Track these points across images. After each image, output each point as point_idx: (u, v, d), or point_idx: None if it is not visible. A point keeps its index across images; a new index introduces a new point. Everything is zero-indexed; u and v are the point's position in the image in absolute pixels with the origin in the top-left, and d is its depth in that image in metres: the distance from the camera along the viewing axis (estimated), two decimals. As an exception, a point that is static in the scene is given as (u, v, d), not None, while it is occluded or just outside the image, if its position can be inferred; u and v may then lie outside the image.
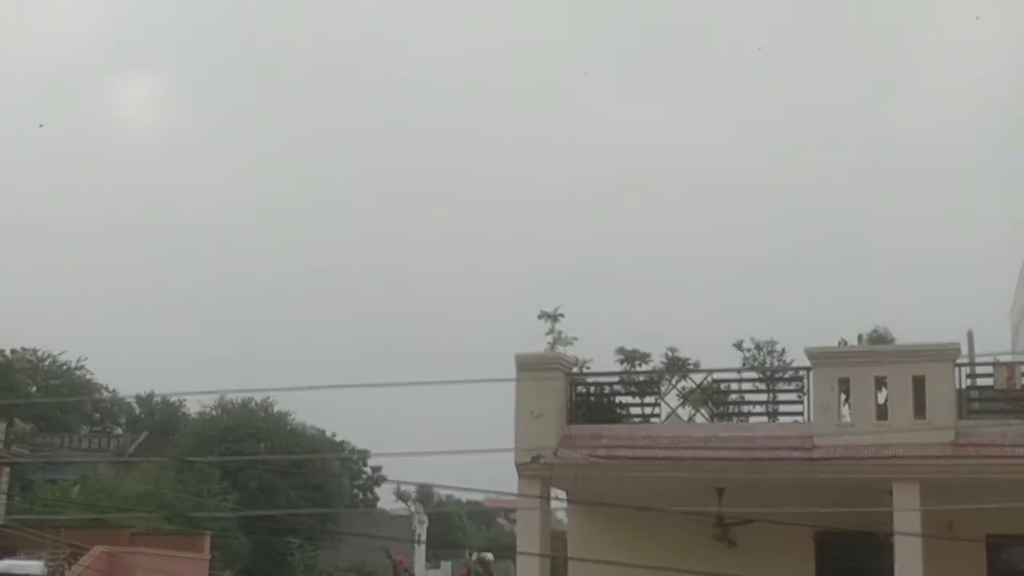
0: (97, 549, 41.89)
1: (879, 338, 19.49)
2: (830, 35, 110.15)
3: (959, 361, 18.27)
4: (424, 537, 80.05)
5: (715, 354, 20.11)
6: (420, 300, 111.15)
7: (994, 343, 19.28)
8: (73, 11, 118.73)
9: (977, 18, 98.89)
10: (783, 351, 20.01)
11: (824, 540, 20.11)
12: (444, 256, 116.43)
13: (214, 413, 71.92)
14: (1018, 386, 18.14)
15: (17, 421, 59.40)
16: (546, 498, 19.26)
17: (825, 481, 18.00)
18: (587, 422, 19.37)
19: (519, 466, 18.86)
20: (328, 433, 77.48)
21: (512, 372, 19.13)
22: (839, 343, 19.52)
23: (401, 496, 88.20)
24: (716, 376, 19.55)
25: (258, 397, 71.60)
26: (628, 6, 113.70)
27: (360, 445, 77.39)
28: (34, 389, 72.50)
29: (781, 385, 19.37)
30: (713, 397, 19.46)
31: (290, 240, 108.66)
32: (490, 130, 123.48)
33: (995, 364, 18.69)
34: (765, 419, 19.28)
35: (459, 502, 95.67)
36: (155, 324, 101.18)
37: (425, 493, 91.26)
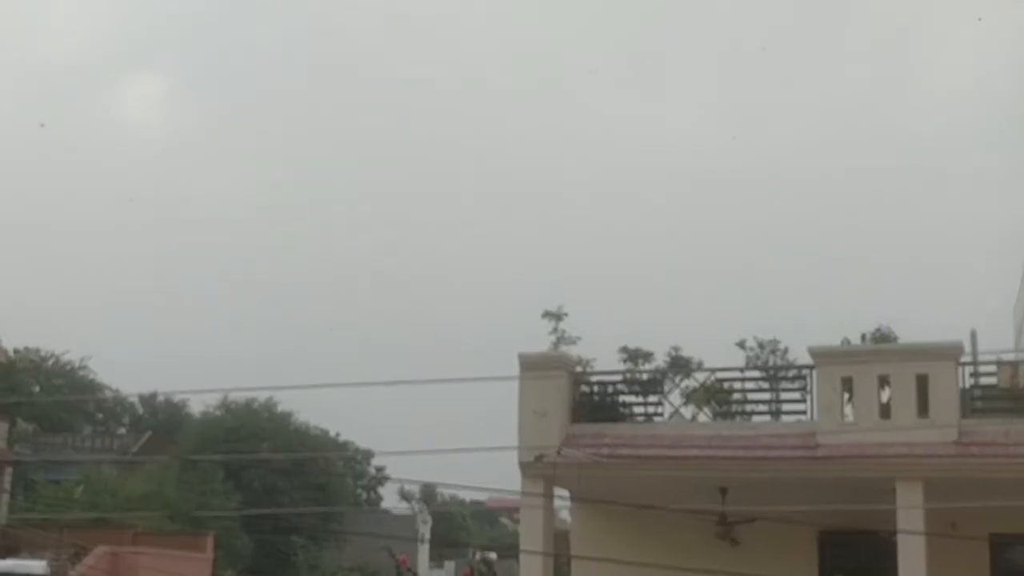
0: (100, 549, 41.82)
1: (882, 337, 19.49)
2: (831, 35, 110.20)
3: (962, 360, 18.26)
4: (428, 537, 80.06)
5: (718, 354, 20.16)
6: (420, 300, 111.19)
7: (997, 342, 19.27)
8: (74, 11, 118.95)
9: (980, 19, 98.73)
10: (786, 350, 20.06)
11: (827, 539, 20.13)
12: (444, 256, 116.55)
13: (217, 413, 71.95)
14: (1021, 385, 18.12)
15: (20, 421, 59.42)
16: (549, 497, 19.27)
17: (828, 480, 18.01)
18: (590, 421, 19.38)
19: (523, 465, 18.87)
20: (332, 433, 77.52)
21: (513, 372, 19.17)
22: (842, 342, 19.52)
23: (405, 496, 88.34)
24: (719, 375, 19.56)
25: (261, 397, 71.66)
26: (628, 6, 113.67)
27: (364, 445, 77.53)
28: (37, 389, 72.58)
29: (784, 384, 19.38)
30: (716, 396, 19.46)
31: (291, 240, 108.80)
32: (490, 130, 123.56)
33: (998, 363, 18.69)
34: (768, 418, 19.29)
35: (463, 502, 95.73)
36: (156, 324, 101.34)
37: (429, 493, 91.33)
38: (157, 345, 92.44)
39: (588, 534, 21.19)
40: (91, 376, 77.42)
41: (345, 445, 77.15)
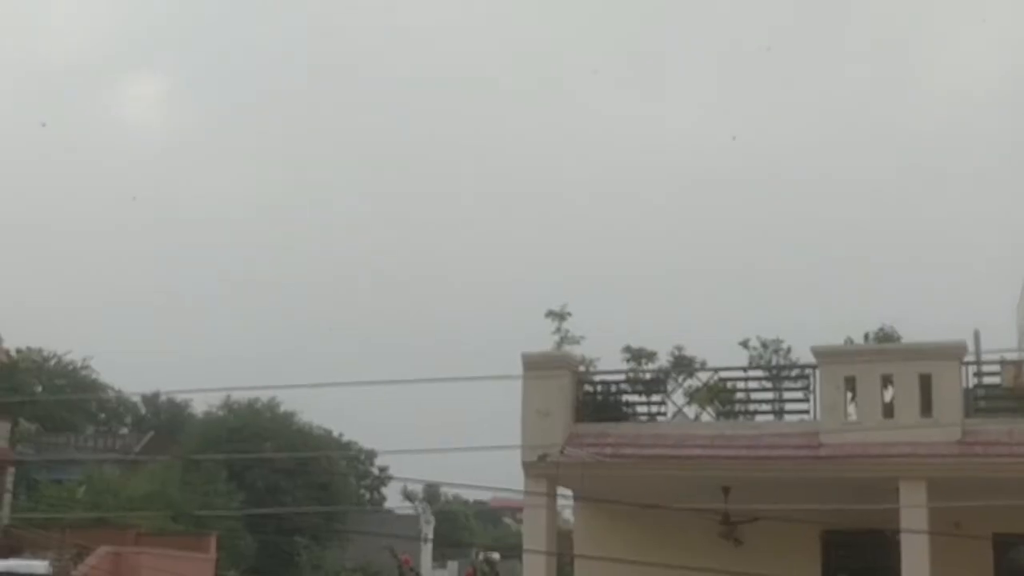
0: (102, 549, 41.84)
1: (885, 336, 19.46)
2: (831, 35, 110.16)
3: (966, 359, 18.25)
4: (431, 537, 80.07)
5: (719, 353, 20.14)
6: (421, 300, 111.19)
7: (1000, 341, 19.24)
8: (74, 11, 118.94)
9: (984, 20, 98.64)
10: (789, 349, 20.01)
11: (830, 538, 20.11)
12: (445, 256, 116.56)
13: (220, 413, 71.94)
14: (1025, 384, 18.14)
15: (22, 421, 59.43)
16: (553, 496, 19.26)
17: (831, 479, 17.99)
18: (594, 421, 19.36)
19: (526, 465, 18.86)
20: (335, 433, 77.51)
21: (514, 371, 19.17)
22: (845, 341, 19.50)
23: (408, 496, 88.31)
24: (722, 374, 19.54)
25: (264, 397, 71.65)
26: (628, 6, 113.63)
27: (366, 445, 77.54)
28: (39, 389, 72.60)
29: (787, 383, 19.36)
30: (719, 395, 19.45)
31: (291, 240, 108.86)
32: (490, 130, 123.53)
33: (1002, 362, 18.67)
34: (771, 417, 19.26)
35: (466, 502, 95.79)
36: (156, 324, 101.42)
37: (432, 493, 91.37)
38: (157, 345, 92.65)
39: (591, 534, 21.17)
40: (93, 376, 77.48)
41: (348, 445, 77.15)
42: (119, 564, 42.07)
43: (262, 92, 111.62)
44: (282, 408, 71.97)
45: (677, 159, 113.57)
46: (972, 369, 18.44)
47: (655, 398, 19.66)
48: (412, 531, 73.95)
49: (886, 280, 75.74)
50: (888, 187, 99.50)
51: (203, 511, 52.07)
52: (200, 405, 76.14)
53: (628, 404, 19.81)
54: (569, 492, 20.65)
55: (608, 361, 19.99)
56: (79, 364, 76.90)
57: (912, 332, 19.33)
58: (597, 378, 20.06)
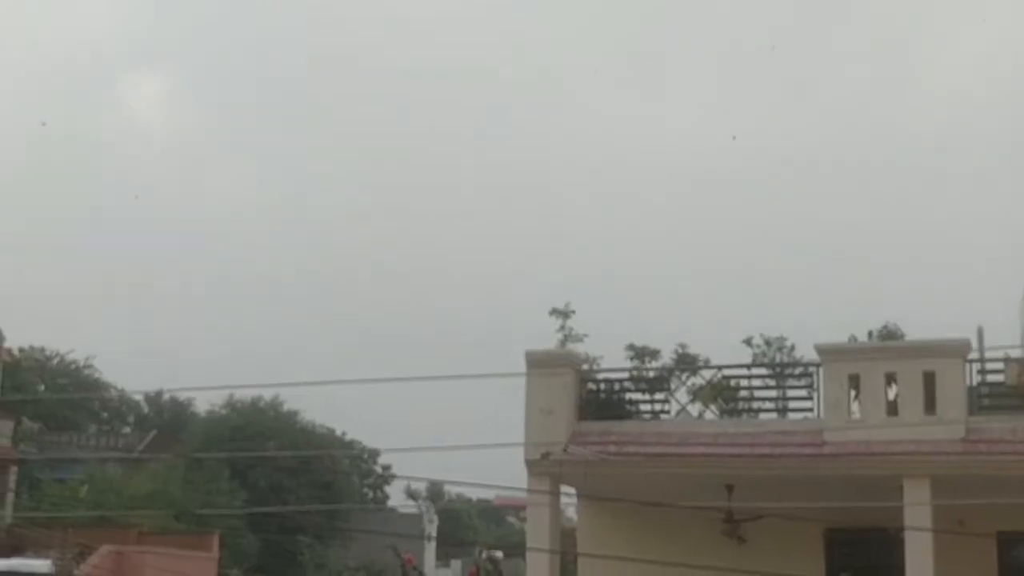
0: (105, 548, 41.81)
1: (889, 334, 19.44)
2: (831, 35, 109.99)
3: (969, 357, 18.23)
4: (434, 535, 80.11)
5: (722, 352, 20.11)
6: (421, 292, 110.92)
7: (1002, 340, 19.20)
8: (74, 11, 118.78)
9: (984, 20, 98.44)
10: (792, 347, 19.98)
11: (834, 536, 20.09)
12: (445, 247, 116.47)
13: (223, 412, 71.98)
14: (1029, 382, 18.13)
15: (25, 420, 59.43)
16: (556, 495, 19.25)
17: (835, 477, 17.98)
18: (597, 419, 19.35)
19: (529, 463, 18.85)
20: (338, 432, 77.54)
21: (513, 363, 19.19)
22: (849, 339, 19.48)
23: (411, 494, 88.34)
24: (725, 372, 19.53)
25: (267, 396, 71.69)
26: (628, 6, 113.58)
27: (369, 444, 77.55)
28: (42, 388, 72.65)
29: (791, 381, 19.35)
30: (723, 393, 19.43)
31: (290, 234, 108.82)
32: (490, 121, 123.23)
33: (1006, 360, 18.66)
34: (775, 415, 19.26)
35: (469, 500, 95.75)
36: (156, 323, 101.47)
37: (435, 491, 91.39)
38: (157, 344, 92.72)
39: (595, 532, 21.16)
40: (96, 375, 77.58)
41: (351, 444, 77.19)
42: (121, 563, 42.05)
43: (262, 86, 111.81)
44: (285, 407, 72.07)
45: (677, 159, 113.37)
46: (976, 367, 18.42)
47: (658, 396, 19.65)
48: (415, 530, 73.94)
49: (887, 280, 75.59)
50: (888, 187, 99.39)
51: (206, 510, 52.08)
52: (203, 404, 76.30)
53: (631, 402, 19.80)
54: (572, 490, 20.64)
55: (610, 359, 20.01)
56: (82, 363, 77.07)
57: (913, 331, 19.33)
58: (600, 376, 20.05)
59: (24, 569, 37.64)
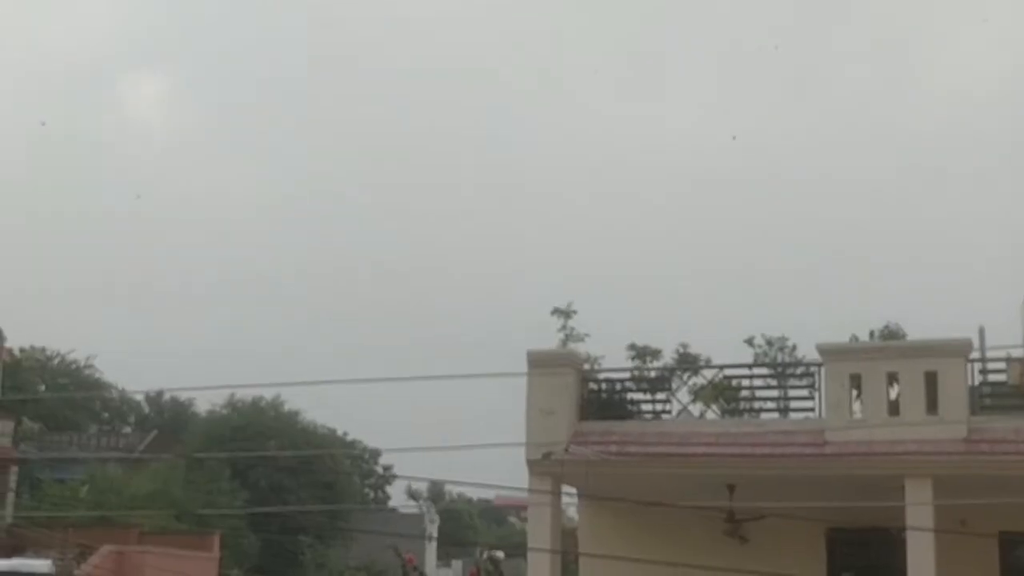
0: (106, 548, 41.81)
1: (890, 334, 19.45)
2: (831, 35, 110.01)
3: (971, 357, 18.20)
4: (435, 535, 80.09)
5: (722, 352, 20.10)
6: (421, 292, 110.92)
7: (1003, 340, 19.18)
8: (74, 11, 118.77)
9: (984, 20, 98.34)
10: (794, 347, 19.96)
11: (836, 536, 20.08)
12: (445, 248, 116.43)
13: (224, 412, 71.97)
14: (1031, 382, 18.10)
15: (25, 419, 59.43)
16: (557, 495, 19.23)
17: (836, 477, 17.95)
18: (598, 419, 19.33)
19: (530, 463, 18.82)
20: (339, 432, 77.54)
21: (514, 362, 19.17)
22: (850, 339, 19.46)
23: (412, 494, 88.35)
24: (727, 372, 19.51)
25: (268, 395, 71.67)
26: (628, 6, 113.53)
27: (370, 444, 77.55)
28: (42, 387, 72.63)
29: (792, 381, 19.33)
30: (724, 393, 19.41)
31: (290, 234, 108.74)
32: (490, 121, 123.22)
33: (1008, 360, 18.64)
34: (776, 415, 19.23)
35: (470, 500, 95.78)
36: (157, 323, 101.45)
37: (436, 491, 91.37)
38: (157, 344, 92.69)
39: (596, 532, 21.15)
40: (96, 375, 77.57)
41: (352, 444, 77.19)
42: (122, 563, 42.05)
43: (262, 86, 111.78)
44: (286, 407, 72.07)
45: (677, 159, 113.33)
46: (978, 367, 18.41)
47: (660, 396, 19.64)
48: (416, 530, 73.92)
49: (887, 280, 75.63)
50: (888, 187, 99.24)
51: (206, 510, 52.08)
52: (204, 404, 76.30)
53: (633, 402, 19.78)
54: (574, 490, 20.62)
55: (611, 359, 19.99)
56: (82, 363, 77.07)
57: (913, 331, 19.33)
58: (602, 376, 20.03)
59: (24, 569, 37.63)
